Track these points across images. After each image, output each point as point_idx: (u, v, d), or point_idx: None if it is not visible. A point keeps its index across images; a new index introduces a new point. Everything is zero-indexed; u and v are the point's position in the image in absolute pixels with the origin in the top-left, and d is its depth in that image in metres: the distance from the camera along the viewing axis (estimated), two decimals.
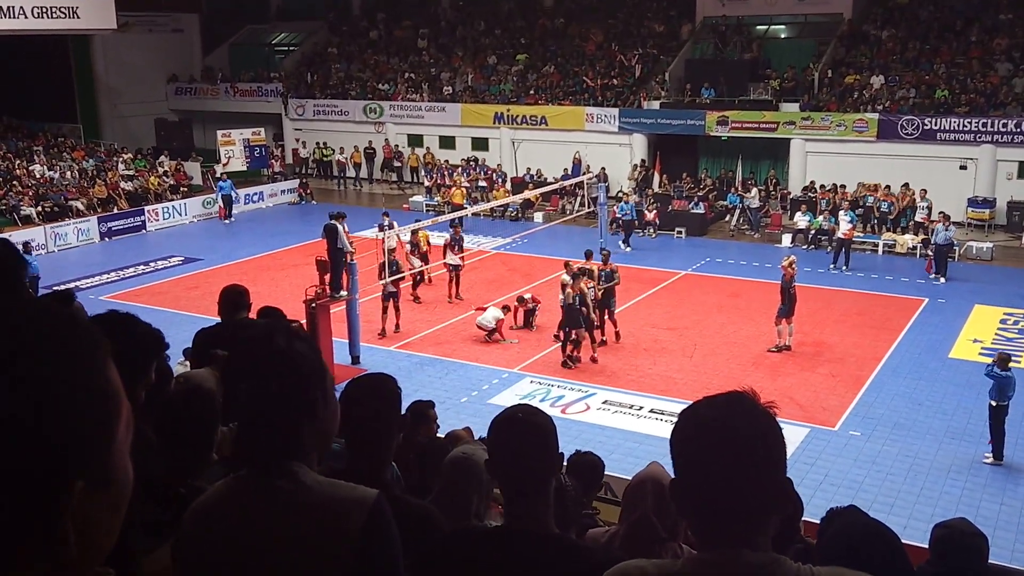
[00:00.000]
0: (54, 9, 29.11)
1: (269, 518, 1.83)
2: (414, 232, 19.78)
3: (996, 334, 17.67)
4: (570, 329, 15.84)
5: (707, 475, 1.46)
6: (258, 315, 5.72)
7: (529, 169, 30.87)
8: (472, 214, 26.47)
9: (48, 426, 0.92)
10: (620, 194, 27.40)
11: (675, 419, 1.58)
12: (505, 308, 17.58)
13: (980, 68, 26.83)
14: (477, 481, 3.06)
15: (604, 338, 16.92)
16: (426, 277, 20.54)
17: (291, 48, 40.53)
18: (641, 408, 14.34)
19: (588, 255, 17.77)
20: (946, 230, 21.54)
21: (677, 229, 26.36)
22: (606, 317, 17.02)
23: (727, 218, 27.52)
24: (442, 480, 3.21)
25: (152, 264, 23.91)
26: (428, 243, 20.79)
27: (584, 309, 15.70)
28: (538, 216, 28.43)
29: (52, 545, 0.95)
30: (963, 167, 25.58)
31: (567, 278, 15.92)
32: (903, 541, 7.39)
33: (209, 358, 4.12)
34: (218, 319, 5.46)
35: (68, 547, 0.95)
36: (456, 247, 19.75)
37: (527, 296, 18.15)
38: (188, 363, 6.55)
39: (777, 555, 1.48)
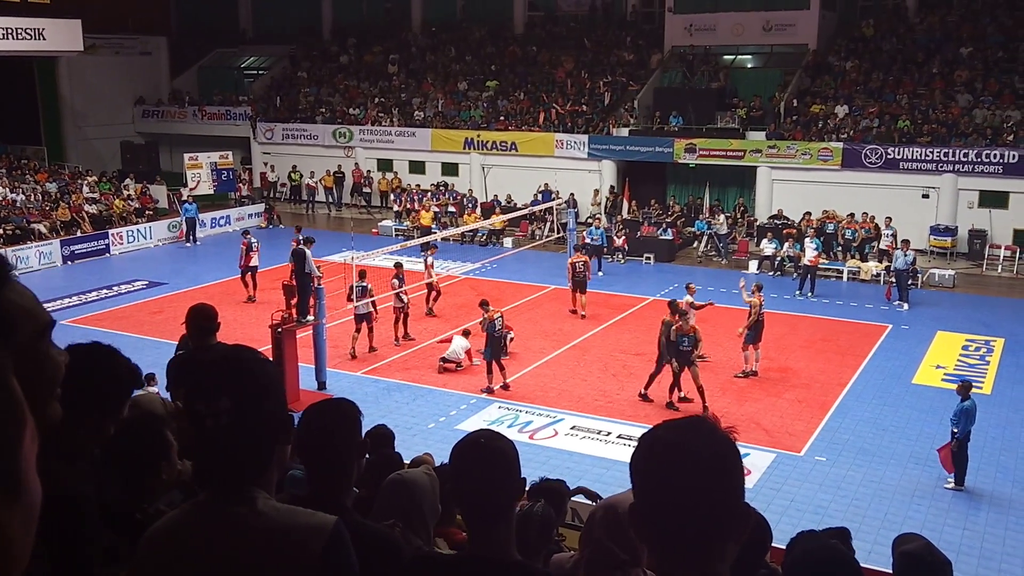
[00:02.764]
0: (20, 31, 28.88)
1: (225, 545, 1.80)
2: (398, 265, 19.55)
3: (958, 360, 17.92)
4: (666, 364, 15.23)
5: (665, 499, 1.45)
6: None
7: (496, 196, 30.96)
8: (442, 239, 26.49)
9: None
10: (589, 219, 27.56)
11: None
12: (466, 332, 17.27)
13: (942, 99, 27.43)
14: (410, 504, 3.05)
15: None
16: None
17: (260, 72, 40.47)
18: (609, 433, 14.33)
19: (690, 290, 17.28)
20: (904, 255, 21.90)
21: (646, 255, 26.54)
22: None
23: (695, 244, 27.77)
24: (377, 502, 3.20)
25: (116, 288, 23.58)
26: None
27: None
28: (507, 241, 28.49)
29: None
30: (925, 196, 26.07)
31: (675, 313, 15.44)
32: (868, 567, 7.36)
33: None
34: (187, 345, 5.31)
35: None
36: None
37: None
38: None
39: None
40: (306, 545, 1.79)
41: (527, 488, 5.39)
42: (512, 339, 18.03)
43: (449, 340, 17.35)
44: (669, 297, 22.41)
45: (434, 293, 20.69)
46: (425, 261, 20.66)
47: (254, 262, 22.07)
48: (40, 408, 1.34)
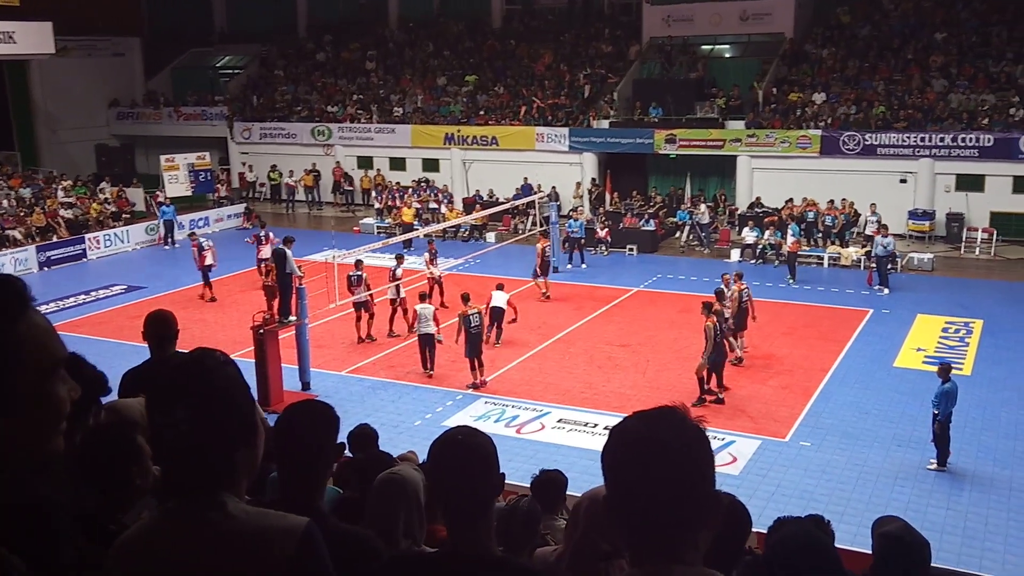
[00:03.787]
0: None
1: (197, 551, 1.78)
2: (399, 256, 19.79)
3: (938, 343, 18.07)
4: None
5: (636, 489, 1.44)
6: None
7: (478, 191, 30.90)
8: (424, 235, 26.43)
9: None
10: (571, 212, 27.55)
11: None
12: (422, 296, 17.01)
13: (917, 85, 27.60)
14: (405, 501, 3.02)
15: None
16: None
17: (236, 71, 40.14)
18: (596, 425, 14.33)
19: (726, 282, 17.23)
20: (884, 240, 22.00)
21: (628, 246, 26.56)
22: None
23: (677, 234, 27.83)
24: (371, 501, 3.17)
25: (94, 293, 23.38)
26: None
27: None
28: (490, 236, 28.46)
29: None
30: (903, 181, 26.24)
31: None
32: (854, 549, 7.41)
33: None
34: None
35: None
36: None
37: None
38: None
39: (709, 570, 1.47)
40: (277, 547, 1.77)
41: (531, 482, 5.44)
42: (515, 320, 18.08)
43: (415, 314, 16.82)
44: (652, 288, 22.57)
45: (438, 287, 20.70)
46: (427, 257, 20.84)
47: (208, 261, 22.09)
48: (43, 441, 1.31)
